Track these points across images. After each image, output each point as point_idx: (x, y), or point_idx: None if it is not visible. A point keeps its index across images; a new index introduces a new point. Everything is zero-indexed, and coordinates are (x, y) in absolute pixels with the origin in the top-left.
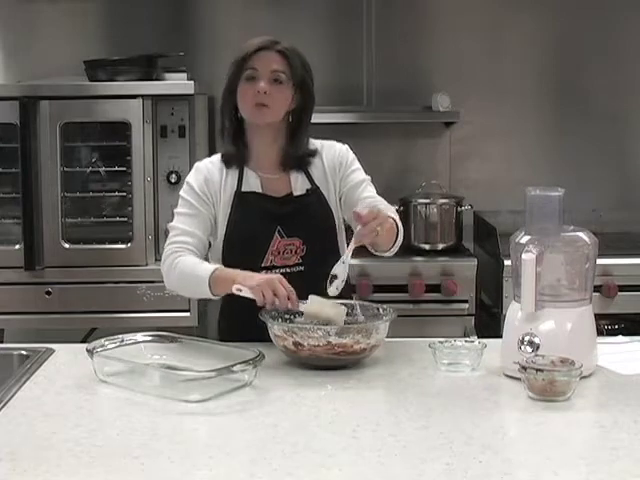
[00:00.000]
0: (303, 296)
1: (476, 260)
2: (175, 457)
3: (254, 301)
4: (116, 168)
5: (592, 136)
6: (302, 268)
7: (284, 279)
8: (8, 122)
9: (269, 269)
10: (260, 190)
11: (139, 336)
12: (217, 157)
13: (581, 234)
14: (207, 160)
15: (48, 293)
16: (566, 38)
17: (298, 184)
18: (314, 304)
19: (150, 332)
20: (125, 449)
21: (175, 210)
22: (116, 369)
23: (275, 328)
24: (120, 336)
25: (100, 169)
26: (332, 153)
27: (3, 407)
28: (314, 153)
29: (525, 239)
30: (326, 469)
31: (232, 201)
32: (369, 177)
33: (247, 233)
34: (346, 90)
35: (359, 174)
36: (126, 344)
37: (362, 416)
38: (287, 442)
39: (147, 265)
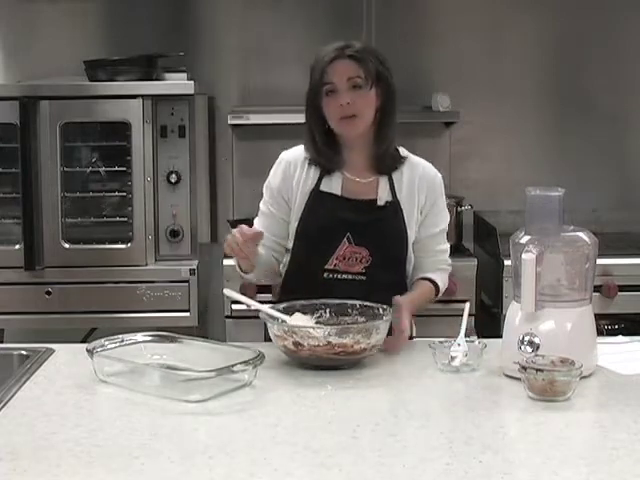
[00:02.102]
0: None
1: (476, 260)
2: (175, 457)
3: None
4: (116, 168)
5: (592, 136)
6: (364, 278)
7: (238, 233)
8: (8, 122)
9: (332, 272)
10: (339, 192)
11: (139, 336)
12: (302, 148)
13: (581, 234)
14: (293, 151)
15: (48, 293)
16: (566, 38)
17: (384, 194)
18: (297, 321)
19: (150, 332)
20: (125, 449)
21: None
22: (116, 369)
23: (275, 328)
24: (120, 336)
25: (100, 169)
26: (426, 173)
27: (3, 407)
28: (402, 160)
29: (525, 239)
30: (326, 469)
31: (308, 198)
32: (448, 219)
33: (316, 234)
34: None
35: (444, 219)
36: (126, 344)
37: (362, 416)
38: (287, 442)
39: (147, 265)
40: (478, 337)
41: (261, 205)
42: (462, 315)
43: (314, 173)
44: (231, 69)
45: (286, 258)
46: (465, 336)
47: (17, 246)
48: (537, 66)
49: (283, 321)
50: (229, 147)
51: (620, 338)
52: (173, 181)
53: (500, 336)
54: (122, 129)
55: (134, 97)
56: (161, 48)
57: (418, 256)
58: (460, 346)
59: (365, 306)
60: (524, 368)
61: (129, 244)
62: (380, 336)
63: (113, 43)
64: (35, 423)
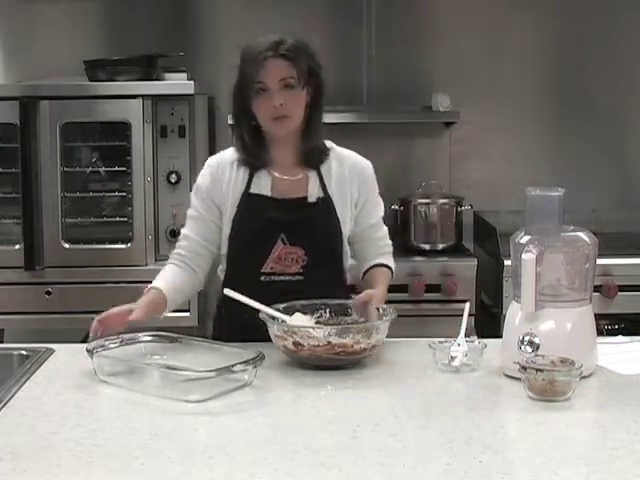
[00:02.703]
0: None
1: (476, 260)
2: (175, 457)
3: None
4: (116, 168)
5: (592, 136)
6: (302, 277)
7: (100, 320)
8: (8, 122)
9: (269, 275)
10: (269, 193)
11: (139, 336)
12: (230, 151)
13: (581, 234)
14: (220, 155)
15: (48, 293)
16: (566, 38)
17: (314, 190)
18: (297, 321)
19: (150, 332)
20: (125, 449)
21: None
22: (116, 369)
23: (275, 328)
24: (120, 336)
25: (100, 169)
26: (357, 165)
27: (3, 407)
28: (328, 151)
29: (525, 239)
30: (326, 469)
31: (239, 202)
32: (382, 206)
33: (250, 237)
34: (346, 90)
35: (379, 208)
36: (126, 344)
37: (362, 416)
38: (287, 442)
39: (147, 265)
40: (478, 337)
41: (189, 211)
42: (462, 315)
43: (243, 175)
44: (231, 69)
45: (223, 264)
46: (465, 336)
47: (17, 246)
48: (537, 66)
49: (283, 321)
50: (229, 147)
51: (620, 338)
52: (173, 181)
53: (500, 336)
54: (122, 129)
55: (134, 97)
56: (161, 48)
57: (361, 247)
58: (460, 346)
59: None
60: (524, 368)
61: (129, 244)
62: (380, 336)
63: (113, 43)
64: (35, 423)
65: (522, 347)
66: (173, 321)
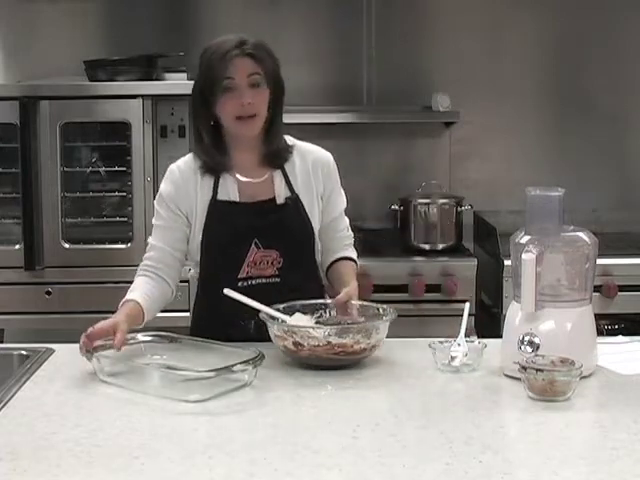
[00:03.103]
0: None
1: (476, 260)
2: (175, 457)
3: (233, 309)
4: (116, 168)
5: (592, 136)
6: (278, 280)
7: (86, 338)
8: (8, 122)
9: (246, 280)
10: (237, 198)
11: (139, 336)
12: (190, 159)
13: (581, 234)
14: (181, 161)
15: (48, 293)
16: (566, 38)
17: (281, 190)
18: (297, 321)
19: (150, 332)
20: (125, 449)
21: (152, 221)
22: (116, 369)
23: (275, 328)
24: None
25: (100, 169)
26: (319, 159)
27: (3, 407)
28: (291, 149)
29: (525, 239)
30: (326, 469)
31: (207, 210)
32: (344, 197)
33: (223, 244)
34: (346, 90)
35: (342, 200)
36: (126, 344)
37: (362, 416)
38: (287, 442)
39: None
40: (478, 337)
41: (155, 220)
42: (462, 315)
43: (208, 182)
44: None
45: (195, 271)
46: (465, 336)
47: (17, 246)
48: (537, 66)
49: (283, 321)
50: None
51: (620, 338)
52: None
53: (500, 336)
54: (122, 129)
55: (134, 97)
56: (161, 48)
57: (324, 239)
58: (460, 346)
59: (365, 306)
60: (524, 368)
61: (129, 244)
62: (380, 336)
63: (113, 43)
64: (35, 423)
65: (522, 347)
66: (173, 321)
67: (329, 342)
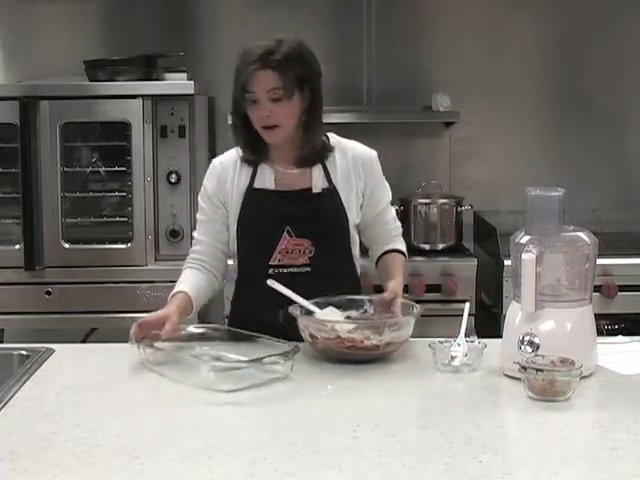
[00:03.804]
0: (309, 296)
1: (476, 260)
2: (175, 457)
3: (260, 301)
4: (116, 168)
5: (592, 136)
6: (309, 269)
7: (137, 327)
8: (8, 122)
9: (277, 267)
10: (273, 186)
11: (191, 328)
12: (233, 151)
13: (581, 234)
14: (224, 155)
15: (48, 293)
16: (566, 38)
17: (319, 181)
18: (326, 315)
19: (200, 324)
20: (125, 449)
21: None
22: (160, 359)
23: (298, 320)
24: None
25: (100, 169)
26: (360, 155)
27: (3, 407)
28: (332, 148)
29: (525, 239)
30: (326, 469)
31: (243, 198)
32: (389, 190)
33: (255, 232)
34: (346, 90)
35: (387, 193)
36: (174, 335)
37: (362, 416)
38: (287, 442)
39: (147, 265)
40: (478, 337)
41: (198, 215)
42: (462, 315)
43: (247, 172)
44: (231, 69)
45: (235, 260)
46: (465, 336)
47: (17, 246)
48: (537, 66)
49: (307, 313)
50: (229, 147)
51: (620, 338)
52: (173, 181)
53: (500, 336)
54: (122, 129)
55: (134, 97)
56: (161, 48)
57: (372, 232)
58: (460, 346)
59: (404, 304)
60: (524, 368)
61: (129, 244)
62: (396, 334)
63: (113, 43)
64: (35, 423)
65: (522, 347)
66: None
67: (338, 336)
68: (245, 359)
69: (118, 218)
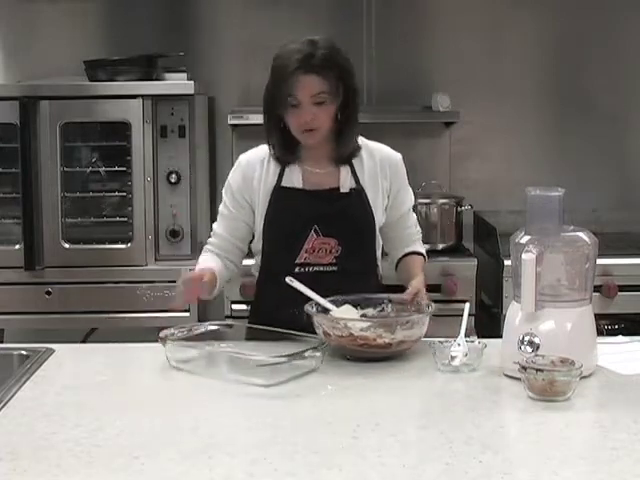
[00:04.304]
0: (334, 295)
1: (476, 260)
2: (175, 457)
3: (281, 299)
4: (116, 168)
5: (592, 136)
6: (335, 268)
7: (189, 277)
8: (8, 122)
9: (303, 266)
10: (301, 185)
11: (207, 324)
12: (262, 148)
13: (581, 234)
14: (251, 152)
15: (48, 293)
16: (566, 38)
17: (347, 181)
18: (342, 312)
19: (217, 321)
20: (125, 449)
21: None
22: (189, 355)
23: (313, 318)
24: (188, 325)
25: (100, 169)
26: (387, 157)
27: (3, 407)
28: (359, 147)
29: (525, 239)
30: (326, 469)
31: (270, 196)
32: (412, 194)
33: (282, 230)
34: None
35: (410, 196)
36: (194, 333)
37: (362, 416)
38: (287, 442)
39: (147, 265)
40: (478, 337)
41: (221, 208)
42: (462, 315)
43: (274, 170)
44: (231, 69)
45: (258, 258)
46: (465, 336)
47: (17, 246)
48: (537, 66)
49: (325, 310)
50: (229, 147)
51: (620, 338)
52: (173, 181)
53: (500, 336)
54: (122, 129)
55: (134, 97)
56: (161, 48)
57: (393, 236)
58: (460, 346)
59: (417, 303)
60: (524, 368)
61: (129, 244)
62: (409, 332)
63: (113, 43)
64: (35, 423)
65: (522, 347)
66: (173, 321)
67: (351, 334)
68: (282, 354)
69: (118, 218)
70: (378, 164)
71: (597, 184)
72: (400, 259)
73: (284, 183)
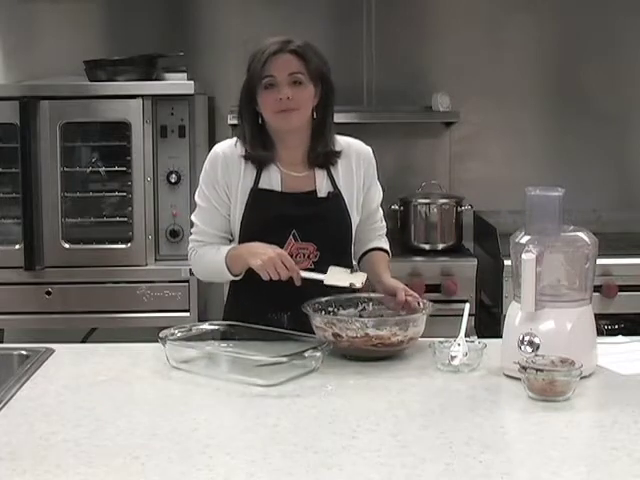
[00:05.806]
0: (312, 300)
1: (476, 260)
2: (175, 457)
3: (257, 304)
4: (116, 168)
5: (592, 136)
6: None
7: (285, 255)
8: (8, 122)
9: None
10: (279, 188)
11: (206, 325)
12: (234, 144)
13: (581, 234)
14: (226, 145)
15: (48, 293)
16: (566, 38)
17: (323, 184)
18: (334, 274)
19: (217, 321)
20: (125, 449)
21: (195, 197)
22: (189, 355)
23: (317, 320)
24: (188, 325)
25: (100, 169)
26: (361, 152)
27: (3, 407)
28: (339, 154)
29: (525, 239)
30: (326, 469)
31: (248, 198)
32: (381, 190)
33: (260, 234)
34: (346, 90)
35: (379, 192)
36: (194, 333)
37: (362, 416)
38: (287, 442)
39: (147, 265)
40: (478, 337)
41: (198, 199)
42: (462, 315)
43: (251, 170)
44: (231, 69)
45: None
46: (465, 336)
47: (17, 246)
48: (537, 66)
49: (326, 312)
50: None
51: (620, 338)
52: (173, 181)
53: (500, 336)
54: (122, 129)
55: (134, 97)
56: (161, 48)
57: (360, 230)
58: (460, 346)
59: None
60: (524, 368)
61: (129, 244)
62: (417, 329)
63: (113, 43)
64: (35, 423)
65: (522, 347)
66: (173, 321)
67: (367, 334)
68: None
69: (118, 218)
70: (353, 159)
71: (597, 184)
72: (363, 254)
73: (262, 185)
